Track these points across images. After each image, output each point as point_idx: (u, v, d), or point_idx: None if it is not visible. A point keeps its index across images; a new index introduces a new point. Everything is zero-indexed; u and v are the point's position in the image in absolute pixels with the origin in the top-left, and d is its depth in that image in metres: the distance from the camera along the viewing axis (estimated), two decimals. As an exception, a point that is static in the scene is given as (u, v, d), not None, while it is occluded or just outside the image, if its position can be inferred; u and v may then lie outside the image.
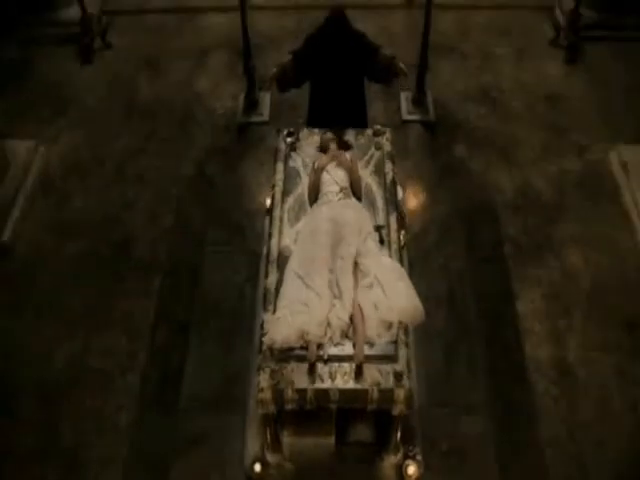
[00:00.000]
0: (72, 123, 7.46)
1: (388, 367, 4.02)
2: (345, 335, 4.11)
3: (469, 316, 5.77)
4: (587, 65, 7.95)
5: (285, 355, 4.06)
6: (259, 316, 4.64)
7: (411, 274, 4.78)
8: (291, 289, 4.21)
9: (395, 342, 4.09)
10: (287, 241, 4.61)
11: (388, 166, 5.07)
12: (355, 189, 4.81)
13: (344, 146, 5.08)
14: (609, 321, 5.77)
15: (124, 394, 5.43)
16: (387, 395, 3.97)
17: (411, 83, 7.33)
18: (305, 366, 4.03)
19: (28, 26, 8.22)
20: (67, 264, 6.25)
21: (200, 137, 7.32)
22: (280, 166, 5.12)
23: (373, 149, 5.20)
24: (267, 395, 3.97)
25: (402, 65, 5.49)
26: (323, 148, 5.03)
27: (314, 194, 4.78)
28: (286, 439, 4.45)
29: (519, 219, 6.49)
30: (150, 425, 5.19)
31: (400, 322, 4.15)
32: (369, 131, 5.37)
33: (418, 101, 7.34)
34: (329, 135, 5.11)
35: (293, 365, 4.04)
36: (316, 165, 4.87)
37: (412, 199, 6.44)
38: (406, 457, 4.58)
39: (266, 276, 4.51)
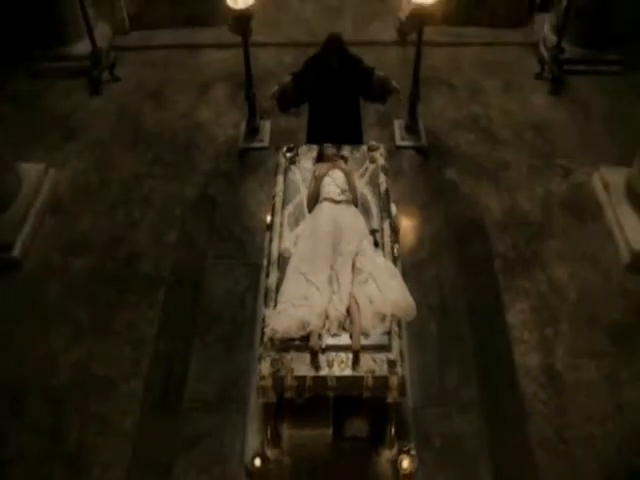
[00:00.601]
0: (80, 149, 7.81)
1: (382, 356, 4.26)
2: (342, 327, 4.35)
3: (461, 324, 6.02)
4: (570, 96, 8.38)
5: (285, 345, 4.29)
6: (259, 323, 4.90)
7: (405, 283, 5.06)
8: (292, 285, 4.47)
9: (389, 333, 4.34)
10: (287, 244, 4.89)
11: (382, 178, 5.39)
12: (351, 197, 5.11)
13: (341, 159, 5.40)
14: (594, 330, 6.04)
15: (128, 399, 5.64)
16: (381, 382, 4.19)
17: (404, 112, 7.76)
18: (304, 355, 4.26)
19: (40, 60, 8.65)
20: (74, 278, 6.52)
21: (202, 162, 7.66)
22: (280, 178, 5.44)
23: (368, 163, 5.53)
24: (268, 382, 4.19)
25: (395, 83, 5.89)
26: (323, 157, 5.33)
27: (313, 201, 5.07)
28: (285, 431, 4.63)
29: (508, 236, 6.80)
30: (153, 426, 5.40)
31: (393, 315, 4.40)
32: (364, 147, 5.70)
33: (411, 128, 7.73)
34: (328, 147, 5.43)
35: (293, 354, 4.27)
36: (316, 173, 5.18)
37: (405, 215, 6.73)
38: (400, 452, 4.76)
39: (267, 276, 4.77)
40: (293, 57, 8.76)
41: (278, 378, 4.20)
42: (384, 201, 5.21)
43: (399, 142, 7.69)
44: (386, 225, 5.03)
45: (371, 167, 5.48)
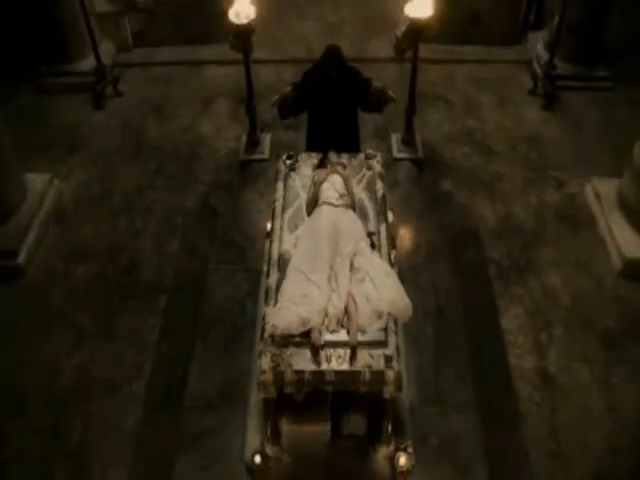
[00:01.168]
0: (84, 161, 7.98)
1: (379, 351, 4.37)
2: (340, 324, 4.48)
3: (456, 329, 6.15)
4: (563, 111, 8.58)
5: (285, 341, 4.41)
6: (259, 325, 5.03)
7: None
8: (293, 284, 4.60)
9: (385, 329, 4.46)
10: (287, 246, 5.03)
11: (379, 184, 5.55)
12: (349, 201, 5.26)
13: (340, 165, 5.57)
14: (587, 334, 6.17)
15: (130, 401, 5.75)
16: (378, 376, 4.30)
17: (400, 125, 7.96)
18: (303, 351, 4.37)
19: (45, 75, 8.85)
20: (77, 285, 6.65)
21: (204, 174, 7.83)
22: (280, 185, 5.59)
23: (365, 170, 5.69)
24: (268, 377, 4.30)
25: (391, 93, 6.10)
26: (322, 164, 5.50)
27: (313, 205, 5.21)
28: (285, 427, 4.73)
29: (502, 244, 6.95)
30: (154, 425, 5.51)
31: (389, 313, 4.52)
32: (361, 155, 5.87)
33: (407, 141, 7.91)
34: (332, 154, 5.60)
35: (292, 350, 4.39)
36: (316, 178, 5.34)
37: (402, 223, 6.87)
38: (398, 449, 4.84)
39: (267, 276, 4.91)
40: (293, 73, 8.92)
41: (278, 373, 4.31)
42: (381, 206, 5.36)
43: (396, 154, 7.87)
44: (383, 228, 5.18)
45: (368, 174, 5.64)
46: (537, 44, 9.14)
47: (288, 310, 4.43)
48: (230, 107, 8.79)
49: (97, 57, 8.51)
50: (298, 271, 4.65)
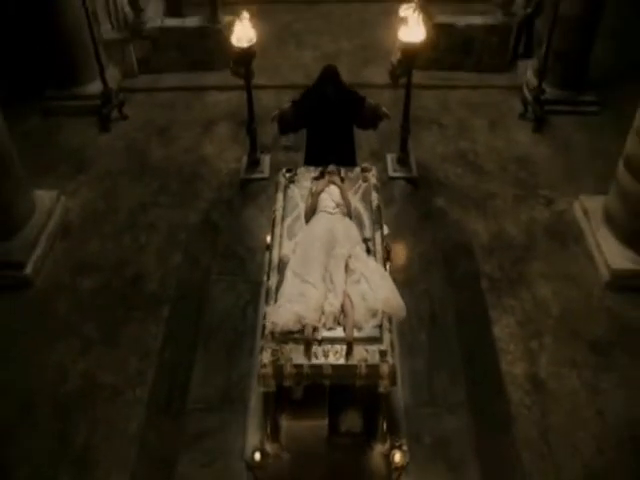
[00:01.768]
0: (90, 179, 8.27)
1: (374, 347, 4.59)
2: (337, 321, 4.70)
3: (450, 336, 6.38)
4: (552, 134, 8.91)
5: (284, 337, 4.63)
6: (259, 332, 5.25)
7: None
8: (291, 284, 4.83)
9: (380, 326, 4.68)
10: (286, 251, 5.27)
11: (374, 195, 5.82)
12: (345, 210, 5.52)
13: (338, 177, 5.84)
14: (576, 342, 6.40)
15: (133, 405, 5.95)
16: (374, 370, 4.52)
17: (396, 146, 8.28)
18: (302, 347, 4.59)
19: (53, 99, 9.21)
20: (82, 296, 6.89)
21: (206, 192, 8.11)
22: (280, 195, 5.86)
23: (361, 182, 5.96)
24: (268, 370, 4.51)
25: (385, 109, 6.41)
26: (321, 176, 5.77)
27: (311, 214, 5.47)
28: (284, 422, 4.91)
29: (494, 258, 7.20)
30: (157, 426, 5.68)
31: (384, 312, 4.75)
32: (358, 168, 6.14)
33: (402, 161, 8.22)
34: (332, 168, 5.87)
35: (292, 346, 4.61)
36: (314, 189, 5.61)
37: (396, 236, 7.12)
38: (393, 447, 5.02)
39: (268, 278, 5.14)
40: (291, 98, 9.31)
41: (278, 366, 4.52)
42: (376, 214, 5.62)
43: (391, 173, 8.17)
44: (377, 235, 5.43)
45: (364, 185, 5.91)
46: (527, 71, 9.52)
47: (286, 308, 4.66)
48: (231, 130, 9.11)
49: (104, 81, 8.86)
50: (296, 273, 4.89)
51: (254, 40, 7.16)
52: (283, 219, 5.61)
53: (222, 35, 9.22)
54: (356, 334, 4.64)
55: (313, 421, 4.89)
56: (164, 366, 6.17)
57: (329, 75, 6.36)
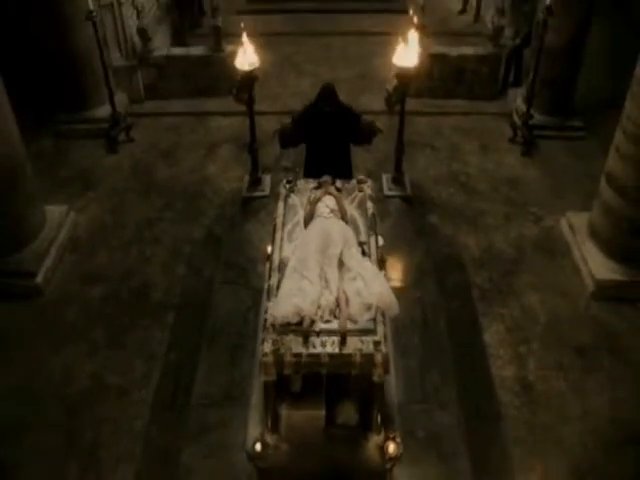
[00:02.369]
0: (98, 197, 8.64)
1: (369, 338, 4.88)
2: (333, 314, 5.01)
3: (441, 340, 6.67)
4: (540, 157, 9.34)
5: (284, 329, 4.93)
6: (260, 335, 5.55)
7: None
8: (289, 281, 5.15)
9: (374, 319, 4.99)
10: (286, 253, 5.60)
11: (369, 204, 6.16)
12: (341, 216, 5.87)
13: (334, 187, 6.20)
14: (563, 348, 6.69)
15: (139, 405, 6.19)
16: (368, 359, 4.80)
17: (391, 167, 8.68)
18: (301, 336, 4.89)
19: (64, 122, 9.65)
20: (90, 304, 7.18)
21: (209, 209, 8.48)
22: (281, 204, 6.20)
23: (357, 192, 6.32)
24: (270, 359, 4.80)
25: (379, 125, 6.84)
26: (318, 186, 6.13)
27: (309, 220, 5.80)
28: (284, 412, 5.18)
29: (484, 271, 7.53)
30: (162, 421, 5.94)
31: (377, 306, 5.06)
32: (354, 180, 6.51)
33: (397, 180, 8.61)
34: (327, 179, 6.23)
35: (291, 337, 4.90)
36: (312, 198, 5.97)
37: (392, 248, 7.43)
38: (387, 439, 5.26)
39: (269, 278, 5.46)
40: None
41: (278, 355, 4.81)
42: (371, 221, 5.96)
43: (387, 192, 8.55)
44: (372, 240, 5.76)
45: (360, 195, 6.26)
46: (516, 98, 9.99)
47: (285, 302, 4.97)
48: (233, 153, 9.53)
49: (113, 105, 9.29)
50: (294, 271, 5.22)
51: (257, 64, 7.58)
52: (284, 225, 5.95)
53: (225, 63, 9.72)
54: (352, 327, 4.92)
55: (311, 411, 5.14)
56: (169, 367, 6.44)
57: (327, 93, 6.79)
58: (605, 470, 5.67)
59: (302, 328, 4.90)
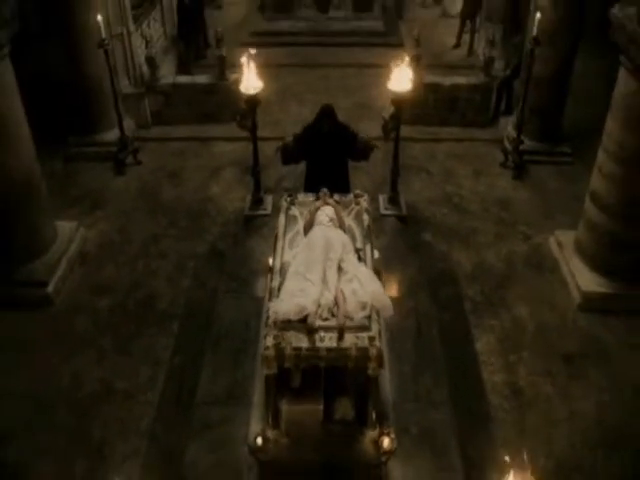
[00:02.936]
0: (107, 215, 9.03)
1: (364, 334, 5.20)
2: (331, 312, 5.34)
3: (434, 348, 6.98)
4: (530, 180, 9.78)
5: (285, 325, 5.25)
6: (261, 339, 5.87)
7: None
8: (292, 282, 5.49)
9: (369, 317, 5.32)
10: (287, 258, 5.95)
11: (365, 216, 6.54)
12: (339, 225, 6.23)
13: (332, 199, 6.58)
14: (551, 356, 7.00)
15: (145, 407, 6.47)
16: (363, 353, 5.12)
17: (386, 188, 9.08)
18: (300, 333, 5.21)
19: (73, 145, 10.09)
20: (99, 313, 7.51)
21: (213, 226, 8.85)
22: (282, 215, 6.58)
23: (354, 205, 6.70)
24: (271, 352, 5.11)
25: (375, 142, 7.27)
26: (317, 198, 6.51)
27: (308, 229, 6.17)
28: (284, 406, 5.47)
29: (476, 285, 7.88)
30: (167, 419, 6.21)
31: (373, 305, 5.39)
32: (351, 194, 6.89)
33: (393, 200, 9.01)
34: (324, 192, 6.61)
35: (291, 332, 5.23)
36: (311, 208, 6.33)
37: (387, 263, 7.76)
38: (382, 434, 5.54)
39: (271, 281, 5.81)
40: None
41: (279, 349, 5.13)
42: (367, 231, 6.34)
43: (383, 211, 8.94)
44: (368, 248, 6.13)
45: (356, 207, 6.64)
46: (507, 126, 10.45)
47: (287, 300, 5.31)
48: (236, 175, 9.95)
49: (121, 129, 9.73)
50: (297, 273, 5.56)
51: (260, 88, 8.03)
52: (285, 234, 6.32)
53: (229, 91, 10.22)
54: (348, 323, 5.26)
55: (309, 405, 5.43)
56: (174, 371, 6.74)
57: (326, 113, 7.24)
58: (590, 468, 5.92)
59: (306, 325, 5.23)
